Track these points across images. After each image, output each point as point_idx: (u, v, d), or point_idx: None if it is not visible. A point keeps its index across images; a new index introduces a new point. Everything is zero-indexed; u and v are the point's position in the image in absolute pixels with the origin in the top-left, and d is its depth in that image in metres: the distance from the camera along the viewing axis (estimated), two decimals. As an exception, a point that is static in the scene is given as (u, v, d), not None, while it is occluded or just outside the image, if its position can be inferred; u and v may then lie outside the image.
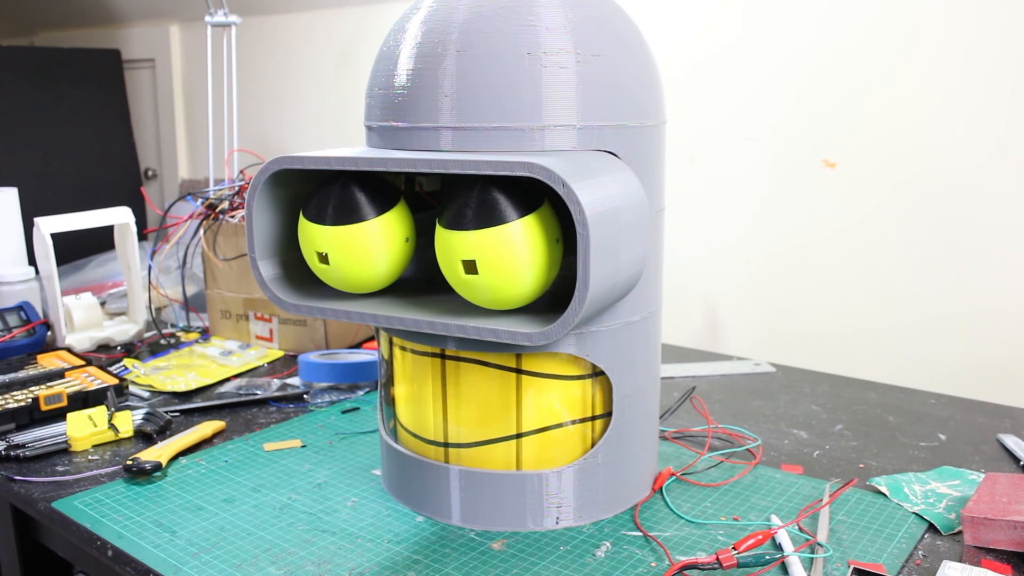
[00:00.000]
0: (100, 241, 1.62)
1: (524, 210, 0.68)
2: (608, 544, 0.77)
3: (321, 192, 0.75)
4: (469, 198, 0.69)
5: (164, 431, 1.01)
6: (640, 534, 0.78)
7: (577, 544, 0.77)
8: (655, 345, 0.84)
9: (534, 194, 0.70)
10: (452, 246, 0.70)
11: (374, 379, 1.16)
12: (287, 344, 1.31)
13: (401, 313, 0.74)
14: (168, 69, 2.20)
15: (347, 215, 0.73)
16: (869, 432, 1.01)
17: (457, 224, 0.69)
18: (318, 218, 0.74)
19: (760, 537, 0.73)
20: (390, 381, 0.87)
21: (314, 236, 0.74)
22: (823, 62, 1.27)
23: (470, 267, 0.69)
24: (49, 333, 1.32)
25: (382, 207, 0.74)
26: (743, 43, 1.34)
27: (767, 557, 0.71)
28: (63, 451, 0.97)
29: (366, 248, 0.74)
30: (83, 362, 1.19)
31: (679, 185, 1.42)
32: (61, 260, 1.46)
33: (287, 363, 1.27)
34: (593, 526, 0.80)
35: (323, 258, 0.75)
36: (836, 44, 1.25)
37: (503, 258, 0.68)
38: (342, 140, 1.88)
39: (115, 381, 1.11)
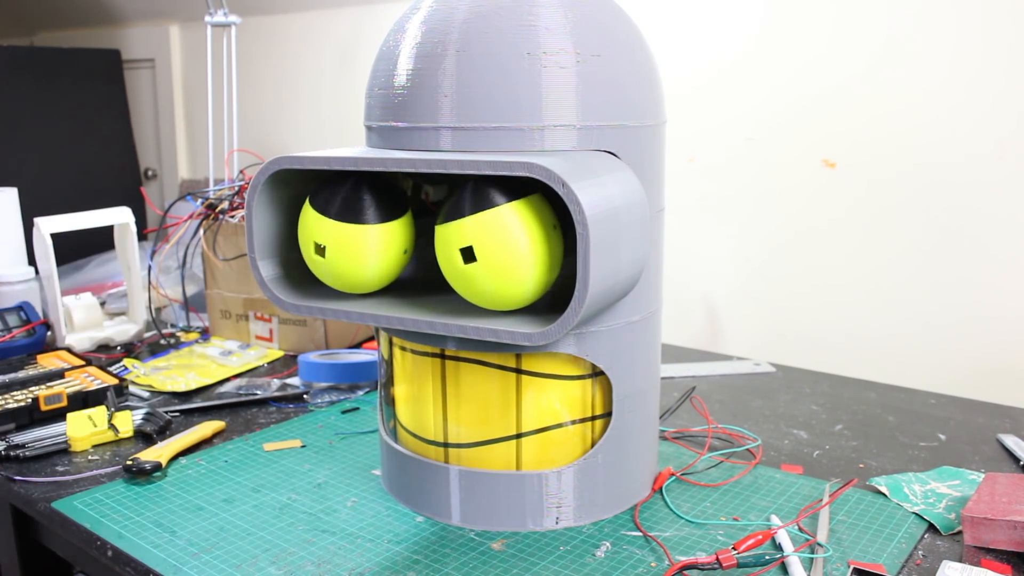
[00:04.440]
0: (100, 241, 1.61)
1: (517, 196, 0.69)
2: (608, 544, 0.77)
3: (332, 186, 0.75)
4: (463, 192, 0.70)
5: (164, 431, 1.01)
6: (640, 534, 0.78)
7: (577, 544, 0.77)
8: (655, 345, 0.84)
9: (528, 189, 0.70)
10: (449, 237, 0.70)
11: (374, 379, 1.16)
12: (287, 344, 1.31)
13: (401, 313, 0.74)
14: (168, 69, 2.20)
15: (352, 214, 0.73)
16: (869, 432, 1.01)
17: (452, 215, 0.70)
18: (323, 209, 0.74)
19: (760, 537, 0.73)
20: (390, 381, 0.87)
21: (316, 226, 0.74)
22: (825, 67, 1.27)
23: (468, 255, 0.69)
24: (49, 333, 1.32)
25: (388, 215, 0.75)
26: (746, 46, 1.34)
27: (767, 557, 0.71)
28: (63, 451, 0.97)
29: (363, 250, 0.74)
30: (83, 362, 1.19)
31: (679, 185, 1.42)
32: (61, 260, 1.46)
33: (287, 363, 1.27)
34: (593, 526, 0.80)
35: (320, 250, 0.75)
36: (840, 51, 1.25)
37: (500, 241, 0.68)
38: (342, 140, 1.87)
39: (115, 381, 1.11)
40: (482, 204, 0.68)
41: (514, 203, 0.68)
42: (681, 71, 1.39)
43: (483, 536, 0.78)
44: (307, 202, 0.76)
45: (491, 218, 0.68)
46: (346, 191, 0.74)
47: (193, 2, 2.03)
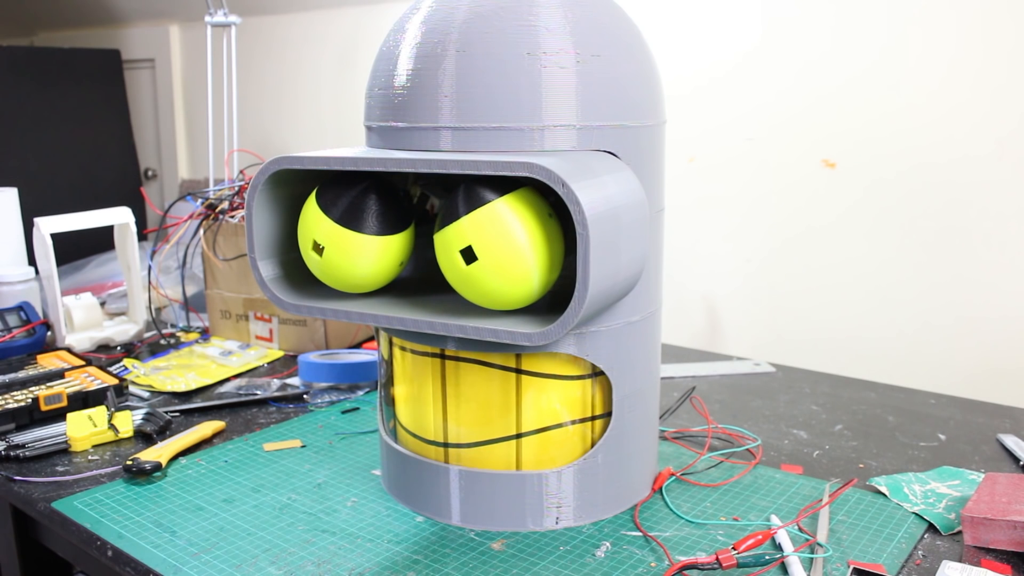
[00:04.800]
0: (100, 241, 1.61)
1: (508, 191, 0.69)
2: (608, 544, 0.77)
3: (341, 187, 0.75)
4: (455, 196, 0.70)
5: (164, 431, 1.01)
6: (640, 534, 0.78)
7: (577, 544, 0.77)
8: (655, 345, 0.84)
9: (519, 183, 0.70)
10: (448, 241, 0.70)
11: (374, 379, 1.16)
12: (287, 344, 1.31)
13: (401, 313, 0.74)
14: (168, 69, 2.20)
15: (354, 222, 0.74)
16: (869, 432, 1.01)
17: (448, 219, 0.70)
18: (327, 210, 0.74)
19: (760, 537, 0.73)
20: (390, 381, 0.87)
21: (316, 225, 0.74)
22: (826, 68, 1.27)
23: (468, 255, 0.69)
24: (49, 333, 1.32)
25: (389, 229, 0.75)
26: (747, 47, 1.34)
27: (767, 557, 0.71)
28: (63, 451, 0.97)
29: (359, 257, 0.74)
30: (83, 362, 1.19)
31: (679, 185, 1.42)
32: (61, 260, 1.46)
33: (287, 363, 1.27)
34: (593, 526, 0.80)
35: (318, 249, 0.75)
36: (840, 52, 1.25)
37: (497, 235, 0.68)
38: (342, 140, 1.88)
39: (115, 381, 1.11)
40: (475, 203, 0.68)
41: (506, 197, 0.68)
42: (682, 72, 1.39)
43: (483, 536, 0.78)
44: (312, 196, 0.76)
45: (486, 214, 0.68)
46: (353, 196, 0.74)
47: (193, 2, 2.03)
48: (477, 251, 0.68)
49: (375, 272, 0.76)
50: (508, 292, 0.70)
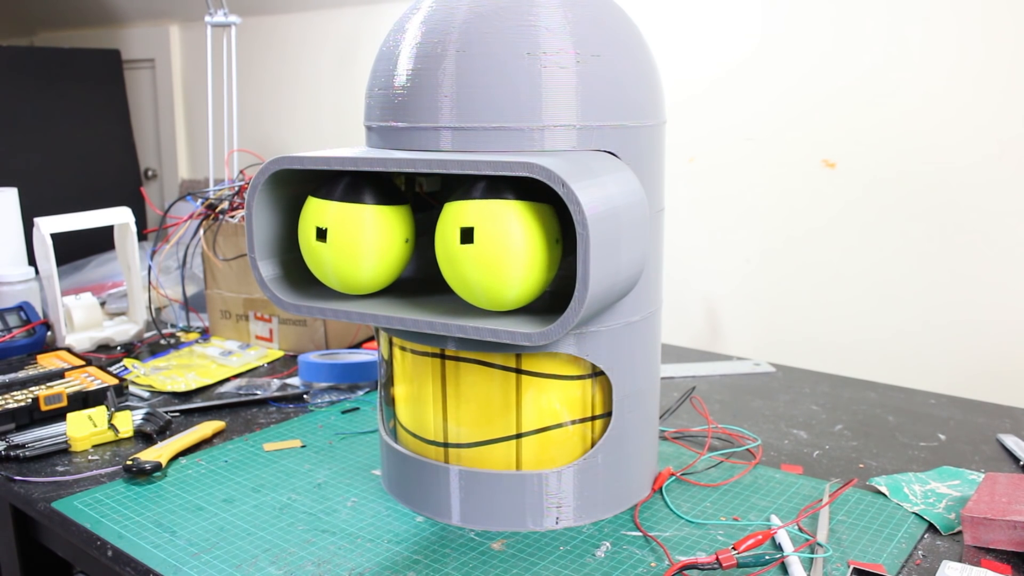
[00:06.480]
0: (100, 241, 1.61)
1: (529, 199, 0.69)
2: (608, 544, 0.77)
3: (332, 180, 0.76)
4: (480, 179, 0.70)
5: (164, 431, 1.01)
6: (640, 534, 0.78)
7: (577, 544, 0.77)
8: (655, 345, 0.84)
9: (539, 195, 0.70)
10: (453, 214, 0.70)
11: (374, 379, 1.16)
12: (287, 344, 1.31)
13: (401, 313, 0.74)
14: (168, 69, 2.20)
15: (354, 195, 0.74)
16: (869, 432, 1.01)
17: (463, 196, 0.70)
18: (327, 195, 0.75)
19: (760, 537, 0.73)
20: (390, 381, 0.87)
21: (318, 211, 0.75)
22: (827, 69, 1.27)
23: (467, 236, 0.69)
24: (49, 333, 1.32)
25: (388, 201, 0.75)
26: (748, 48, 1.34)
27: (767, 557, 0.71)
28: (63, 451, 0.97)
29: (364, 232, 0.74)
30: (83, 362, 1.19)
31: (679, 185, 1.42)
32: (61, 260, 1.46)
33: (287, 363, 1.27)
34: (593, 526, 0.80)
35: (321, 234, 0.74)
36: (841, 53, 1.25)
37: (501, 232, 0.68)
38: (342, 140, 1.88)
39: (115, 381, 1.11)
40: (496, 194, 0.69)
41: (527, 202, 0.68)
42: (682, 72, 1.39)
43: (483, 536, 0.78)
44: (309, 197, 0.76)
45: (500, 207, 0.68)
46: (347, 180, 0.75)
47: (193, 2, 2.03)
48: (476, 235, 0.68)
49: (382, 250, 0.75)
50: (488, 288, 0.70)
